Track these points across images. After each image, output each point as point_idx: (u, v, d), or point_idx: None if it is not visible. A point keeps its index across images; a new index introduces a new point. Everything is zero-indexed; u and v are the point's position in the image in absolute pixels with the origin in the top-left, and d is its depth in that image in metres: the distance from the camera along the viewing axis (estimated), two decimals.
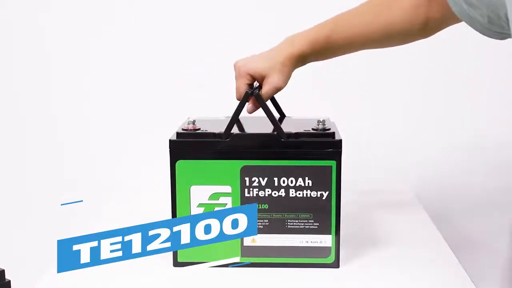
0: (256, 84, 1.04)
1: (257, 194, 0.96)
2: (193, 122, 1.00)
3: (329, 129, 0.97)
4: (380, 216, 1.26)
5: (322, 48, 1.01)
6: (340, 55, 1.05)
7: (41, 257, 1.34)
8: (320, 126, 0.97)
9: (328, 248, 0.97)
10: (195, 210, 0.97)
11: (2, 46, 1.58)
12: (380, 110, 1.52)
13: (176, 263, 0.99)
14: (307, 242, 0.97)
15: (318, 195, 0.95)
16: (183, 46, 1.54)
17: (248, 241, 0.97)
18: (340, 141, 0.95)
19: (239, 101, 0.98)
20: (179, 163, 0.97)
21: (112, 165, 1.59)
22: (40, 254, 1.54)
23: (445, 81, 1.51)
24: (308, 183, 0.95)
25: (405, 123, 1.54)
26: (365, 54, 1.47)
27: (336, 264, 0.98)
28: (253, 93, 0.98)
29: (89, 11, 1.54)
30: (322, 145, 0.95)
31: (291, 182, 0.95)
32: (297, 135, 0.96)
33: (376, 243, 1.09)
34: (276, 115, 1.04)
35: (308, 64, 1.03)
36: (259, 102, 0.98)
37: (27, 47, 1.58)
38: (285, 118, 1.10)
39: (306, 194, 0.95)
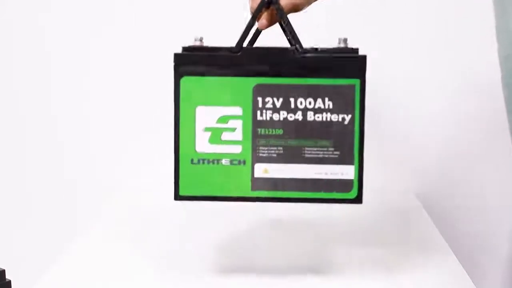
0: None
1: (271, 118, 0.86)
2: (201, 39, 0.92)
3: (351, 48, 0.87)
4: (380, 215, 1.26)
5: None
6: None
7: (41, 257, 1.34)
8: (342, 45, 0.87)
9: (350, 182, 0.86)
10: (201, 136, 0.88)
11: (2, 46, 1.58)
12: (380, 110, 1.52)
13: (177, 197, 0.91)
14: (326, 173, 0.86)
15: (340, 119, 0.85)
16: (184, 46, 1.54)
17: (259, 171, 0.87)
18: (365, 57, 0.86)
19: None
20: (184, 80, 0.88)
21: (112, 165, 1.59)
22: (40, 254, 1.55)
23: (445, 80, 1.51)
24: (328, 104, 0.85)
25: (405, 122, 1.54)
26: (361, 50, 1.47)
27: (359, 200, 0.87)
28: (272, 1, 0.88)
29: (89, 11, 1.54)
30: (344, 61, 0.85)
31: (309, 103, 0.85)
32: (316, 50, 0.87)
33: (375, 243, 1.09)
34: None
35: None
36: (278, 12, 0.88)
37: (27, 47, 1.58)
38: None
39: (326, 117, 0.85)
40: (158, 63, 1.55)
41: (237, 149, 0.87)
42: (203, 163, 0.88)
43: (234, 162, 0.87)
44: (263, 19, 0.91)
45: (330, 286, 0.95)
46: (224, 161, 0.87)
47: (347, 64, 0.85)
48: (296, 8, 0.92)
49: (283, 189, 0.87)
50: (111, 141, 1.59)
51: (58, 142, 1.60)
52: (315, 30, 0.99)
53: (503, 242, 1.55)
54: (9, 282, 0.84)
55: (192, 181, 0.89)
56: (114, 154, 1.59)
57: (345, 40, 0.87)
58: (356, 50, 0.86)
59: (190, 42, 0.95)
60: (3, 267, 0.83)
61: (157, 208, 1.37)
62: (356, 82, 0.85)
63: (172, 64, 0.91)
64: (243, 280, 0.96)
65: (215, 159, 0.87)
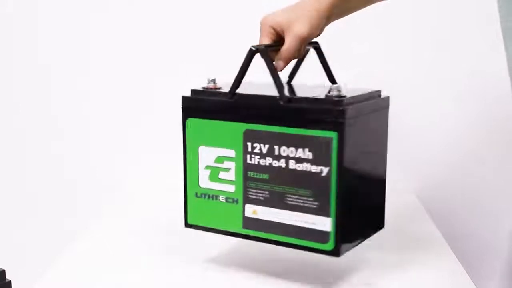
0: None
1: (258, 162, 0.89)
2: (214, 81, 0.95)
3: (339, 96, 0.85)
4: None
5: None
6: (357, 10, 1.01)
7: (41, 257, 1.34)
8: (334, 93, 0.85)
9: (327, 233, 0.86)
10: (203, 173, 0.94)
11: (1, 46, 1.58)
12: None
13: (186, 224, 0.98)
14: (305, 222, 0.87)
15: (318, 170, 0.85)
16: (185, 46, 1.54)
17: (249, 212, 0.91)
18: (343, 110, 0.82)
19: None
20: (189, 121, 0.94)
21: (112, 165, 1.59)
22: (40, 254, 1.55)
23: (445, 79, 1.51)
24: (308, 155, 0.85)
25: (405, 122, 1.54)
26: (365, 51, 1.48)
27: (335, 252, 0.87)
28: (258, 49, 0.90)
29: (90, 10, 1.54)
30: (322, 113, 0.84)
31: (291, 152, 0.86)
32: (299, 99, 0.87)
33: (375, 243, 1.09)
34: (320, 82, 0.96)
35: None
36: (263, 58, 0.90)
37: (27, 46, 1.58)
38: (322, 84, 1.00)
39: (306, 167, 0.86)
40: (160, 62, 1.55)
41: (231, 188, 0.92)
42: (205, 197, 0.95)
43: (229, 200, 0.93)
44: (279, 61, 0.92)
45: (330, 285, 0.95)
46: (221, 198, 0.94)
47: (324, 116, 0.84)
48: (303, 39, 0.92)
49: (269, 231, 0.90)
50: (111, 141, 1.59)
51: (58, 142, 1.60)
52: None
53: (503, 242, 1.55)
54: (9, 282, 0.84)
55: (197, 212, 0.96)
56: (114, 154, 1.59)
57: (338, 88, 0.85)
58: (341, 102, 0.83)
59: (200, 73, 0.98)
60: (3, 267, 0.83)
61: (157, 208, 1.37)
62: (334, 135, 0.83)
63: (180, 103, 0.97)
64: (244, 280, 0.96)
65: (213, 195, 0.94)
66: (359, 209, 0.91)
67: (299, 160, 0.86)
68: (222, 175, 0.93)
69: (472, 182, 1.54)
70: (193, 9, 1.52)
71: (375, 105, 0.92)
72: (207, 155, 0.93)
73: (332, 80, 1.00)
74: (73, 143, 1.59)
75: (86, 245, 1.14)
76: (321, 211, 0.86)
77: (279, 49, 0.93)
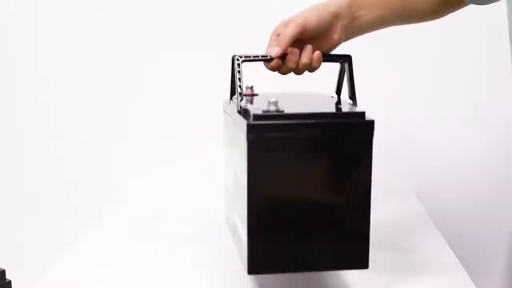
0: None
1: None
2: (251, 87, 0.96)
3: (265, 111, 0.80)
4: (380, 216, 1.26)
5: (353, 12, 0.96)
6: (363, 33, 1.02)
7: (41, 257, 1.34)
8: (271, 107, 0.81)
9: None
10: None
11: (1, 46, 1.58)
12: (381, 110, 1.52)
13: None
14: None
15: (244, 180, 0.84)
16: (186, 47, 1.54)
17: None
18: (250, 125, 0.78)
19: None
20: None
21: (112, 165, 1.59)
22: (40, 254, 1.55)
23: (445, 81, 1.51)
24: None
25: (406, 123, 1.54)
26: (365, 52, 1.47)
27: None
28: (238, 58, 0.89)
29: (90, 10, 1.54)
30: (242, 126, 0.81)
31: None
32: (243, 111, 0.85)
33: (375, 243, 1.09)
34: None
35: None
36: (232, 66, 0.89)
37: (27, 46, 1.58)
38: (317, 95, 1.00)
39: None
40: (160, 62, 1.55)
41: None
42: None
43: None
44: (272, 47, 0.91)
45: (330, 285, 0.95)
46: None
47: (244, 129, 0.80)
48: (302, 27, 0.90)
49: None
50: (111, 141, 1.59)
51: (58, 142, 1.60)
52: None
53: (503, 242, 1.55)
54: (9, 282, 0.84)
55: None
56: (114, 154, 1.59)
57: (276, 103, 0.81)
58: (255, 116, 0.79)
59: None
60: (3, 267, 0.83)
61: (157, 208, 1.37)
62: (246, 148, 0.80)
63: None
64: (244, 280, 0.96)
65: None
66: (290, 233, 0.83)
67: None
68: None
69: (472, 182, 1.54)
70: (194, 9, 1.52)
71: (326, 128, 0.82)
72: None
73: (353, 95, 0.96)
74: (73, 143, 1.59)
75: (86, 245, 1.14)
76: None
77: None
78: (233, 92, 0.92)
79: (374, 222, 1.11)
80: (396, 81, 1.52)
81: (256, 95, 0.96)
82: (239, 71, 0.89)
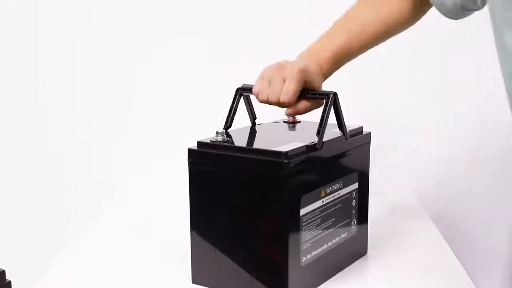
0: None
1: None
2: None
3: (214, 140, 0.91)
4: (381, 216, 1.26)
5: (343, 59, 1.00)
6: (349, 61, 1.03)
7: (41, 257, 1.34)
8: (218, 138, 0.92)
9: None
10: None
11: (1, 46, 1.58)
12: (381, 110, 1.52)
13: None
14: None
15: None
16: (186, 47, 1.54)
17: None
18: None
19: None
20: None
21: (112, 165, 1.59)
22: (40, 254, 1.55)
23: (444, 82, 1.51)
24: None
25: (406, 124, 1.54)
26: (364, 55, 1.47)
27: None
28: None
29: (90, 10, 1.55)
30: None
31: None
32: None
33: (376, 243, 1.09)
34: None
35: None
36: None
37: (27, 46, 1.58)
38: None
39: None
40: (161, 62, 1.55)
41: None
42: None
43: None
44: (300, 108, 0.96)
45: (331, 285, 0.95)
46: None
47: None
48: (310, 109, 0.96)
49: None
50: (111, 141, 1.59)
51: (58, 142, 1.60)
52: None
53: (503, 242, 1.55)
54: (9, 282, 0.84)
55: None
56: (114, 154, 1.59)
57: (222, 134, 0.93)
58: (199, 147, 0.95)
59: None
60: (3, 268, 0.83)
61: (157, 208, 1.37)
62: None
63: None
64: None
65: None
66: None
67: None
68: None
69: (472, 182, 1.54)
70: (196, 9, 1.52)
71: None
72: None
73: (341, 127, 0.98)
74: (73, 143, 1.59)
75: (86, 245, 1.14)
76: None
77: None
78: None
79: (374, 222, 1.12)
80: (396, 81, 1.52)
81: (298, 122, 1.04)
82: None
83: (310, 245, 0.90)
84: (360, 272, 0.99)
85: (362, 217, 1.03)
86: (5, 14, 1.56)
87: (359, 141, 1.00)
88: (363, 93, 1.52)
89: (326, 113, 0.91)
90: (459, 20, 0.99)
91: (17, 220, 1.63)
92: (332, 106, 0.92)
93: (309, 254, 0.90)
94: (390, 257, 1.05)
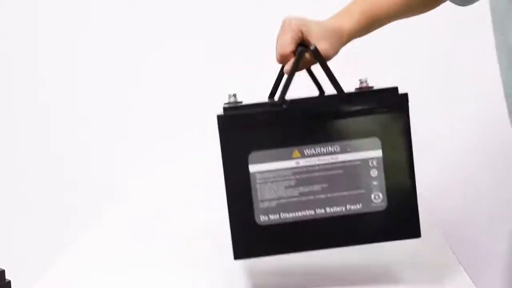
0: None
1: None
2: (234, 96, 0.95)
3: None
4: None
5: (368, 23, 0.97)
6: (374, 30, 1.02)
7: (41, 257, 1.34)
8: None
9: None
10: None
11: (1, 46, 1.58)
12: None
13: None
14: None
15: None
16: (187, 47, 1.54)
17: None
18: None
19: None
20: None
21: (112, 165, 1.59)
22: (40, 254, 1.55)
23: (445, 79, 1.51)
24: None
25: None
26: (364, 54, 1.47)
27: None
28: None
29: (90, 10, 1.55)
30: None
31: None
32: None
33: (376, 244, 1.09)
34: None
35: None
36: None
37: (27, 46, 1.58)
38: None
39: None
40: (161, 62, 1.55)
41: None
42: None
43: None
44: (288, 65, 0.91)
45: (331, 285, 0.95)
46: None
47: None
48: (326, 59, 0.91)
49: None
50: (111, 141, 1.59)
51: (58, 142, 1.60)
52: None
53: (503, 242, 1.55)
54: (9, 282, 0.84)
55: None
56: (114, 154, 1.59)
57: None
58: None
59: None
60: (3, 267, 0.83)
61: (157, 208, 1.37)
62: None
63: None
64: (245, 279, 0.96)
65: None
66: None
67: None
68: None
69: (472, 182, 1.54)
70: (197, 8, 1.52)
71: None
72: None
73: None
74: (73, 143, 1.59)
75: (86, 245, 1.14)
76: None
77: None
78: None
79: None
80: (395, 81, 1.52)
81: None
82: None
83: (274, 205, 0.88)
84: (359, 272, 0.99)
85: (398, 192, 0.92)
86: (5, 14, 1.56)
87: (379, 102, 0.90)
88: None
89: (293, 66, 0.88)
90: (462, 19, 0.98)
91: (17, 220, 1.63)
92: (300, 60, 0.88)
93: (274, 214, 0.88)
94: (389, 256, 1.05)
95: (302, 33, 0.92)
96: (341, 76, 0.98)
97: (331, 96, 0.89)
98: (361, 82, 0.92)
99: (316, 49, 0.89)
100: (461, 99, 1.51)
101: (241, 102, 0.91)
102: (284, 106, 0.87)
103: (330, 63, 0.91)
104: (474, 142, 1.53)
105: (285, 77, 0.92)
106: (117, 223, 1.28)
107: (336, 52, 0.93)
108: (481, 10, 1.07)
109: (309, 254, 1.04)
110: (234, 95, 0.91)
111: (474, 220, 1.54)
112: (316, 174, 0.88)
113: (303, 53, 0.89)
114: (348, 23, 0.95)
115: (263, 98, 0.96)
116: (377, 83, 0.97)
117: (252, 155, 0.87)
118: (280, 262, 1.02)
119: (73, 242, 1.16)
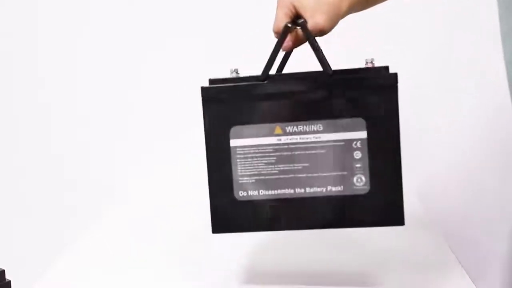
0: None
1: None
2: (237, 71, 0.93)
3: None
4: None
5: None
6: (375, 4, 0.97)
7: (41, 257, 1.34)
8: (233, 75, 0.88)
9: None
10: None
11: (1, 46, 1.58)
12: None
13: None
14: None
15: None
16: (186, 47, 1.54)
17: None
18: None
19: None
20: None
21: (112, 165, 1.59)
22: (40, 254, 1.55)
23: (444, 79, 1.51)
24: None
25: (406, 124, 1.53)
26: (364, 52, 1.47)
27: None
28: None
29: (90, 10, 1.55)
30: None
31: None
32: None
33: (375, 243, 1.09)
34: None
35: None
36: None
37: (27, 46, 1.58)
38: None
39: None
40: (161, 61, 1.55)
41: None
42: None
43: None
44: (288, 41, 0.90)
45: (330, 285, 0.95)
46: None
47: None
48: (322, 33, 0.88)
49: None
50: (111, 141, 1.59)
51: (58, 142, 1.60)
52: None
53: (503, 242, 1.55)
54: (9, 282, 0.84)
55: None
56: (114, 154, 1.59)
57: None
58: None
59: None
60: (3, 267, 0.83)
61: (157, 208, 1.37)
62: None
63: None
64: (245, 279, 0.96)
65: None
66: None
67: None
68: None
69: (472, 182, 1.54)
70: (197, 9, 1.52)
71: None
72: None
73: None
74: (73, 143, 1.59)
75: (86, 245, 1.14)
76: None
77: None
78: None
79: None
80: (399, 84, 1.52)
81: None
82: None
83: (253, 181, 0.87)
84: (358, 271, 0.99)
85: (382, 176, 0.88)
86: (5, 14, 1.56)
87: (367, 82, 0.87)
88: None
89: (277, 45, 0.87)
90: (464, 15, 0.96)
91: (17, 220, 1.63)
92: (284, 36, 0.86)
93: (253, 191, 0.87)
94: (388, 256, 1.05)
95: (295, 7, 0.89)
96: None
97: (316, 73, 0.86)
98: (366, 63, 0.89)
99: (303, 24, 0.86)
100: (460, 98, 1.51)
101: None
102: (266, 81, 0.86)
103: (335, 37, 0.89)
104: (475, 141, 1.53)
105: (283, 54, 0.91)
106: (117, 223, 1.28)
107: (333, 25, 0.89)
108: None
109: (308, 252, 1.04)
110: (236, 71, 0.90)
111: (474, 220, 1.54)
112: (298, 152, 0.86)
113: (288, 29, 0.87)
114: None
115: None
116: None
117: (234, 129, 0.86)
118: (279, 262, 1.02)
119: (73, 242, 1.16)
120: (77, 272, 1.02)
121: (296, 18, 0.89)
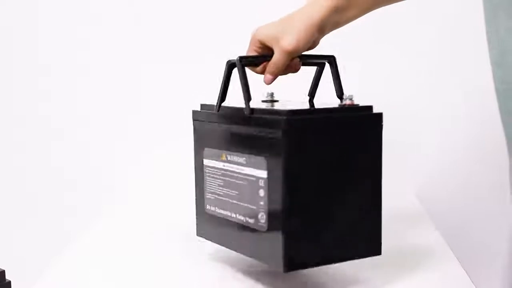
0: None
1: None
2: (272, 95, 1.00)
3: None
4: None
5: (344, 7, 0.91)
6: (354, 19, 0.96)
7: (41, 257, 1.34)
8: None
9: None
10: None
11: (1, 46, 1.58)
12: (380, 110, 1.52)
13: None
14: None
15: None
16: (186, 49, 1.54)
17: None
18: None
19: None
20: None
21: (112, 165, 1.59)
22: (40, 254, 1.55)
23: (444, 79, 1.51)
24: None
25: (406, 124, 1.54)
26: (363, 51, 1.48)
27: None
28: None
29: (90, 11, 1.55)
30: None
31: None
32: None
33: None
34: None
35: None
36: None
37: (27, 46, 1.58)
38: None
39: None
40: (160, 61, 1.56)
41: None
42: None
43: None
44: (266, 75, 0.93)
45: (330, 285, 0.95)
46: None
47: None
48: (290, 53, 0.90)
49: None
50: (111, 141, 1.59)
51: (58, 142, 1.60)
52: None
53: (503, 242, 1.55)
54: (9, 282, 0.84)
55: None
56: (114, 154, 1.59)
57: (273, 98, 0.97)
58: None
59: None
60: (3, 268, 0.83)
61: (157, 208, 1.37)
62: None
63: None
64: (245, 279, 0.96)
65: None
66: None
67: None
68: None
69: (472, 183, 1.54)
70: (196, 13, 1.52)
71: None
72: None
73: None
74: (73, 143, 1.59)
75: (86, 245, 1.14)
76: None
77: (267, 61, 0.93)
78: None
79: None
80: (394, 81, 1.52)
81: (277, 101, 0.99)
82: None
83: (213, 198, 0.96)
84: (359, 272, 0.99)
85: (277, 218, 0.84)
86: (5, 14, 1.56)
87: (269, 123, 0.85)
88: (362, 93, 1.52)
89: (240, 77, 0.90)
90: (459, 16, 0.96)
91: (17, 220, 1.63)
92: (243, 73, 0.90)
93: (212, 206, 0.96)
94: (389, 256, 1.05)
95: (260, 42, 0.93)
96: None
97: (242, 109, 0.90)
98: (345, 99, 0.91)
99: (239, 60, 0.90)
100: (459, 97, 1.51)
101: (277, 100, 0.98)
102: (217, 112, 0.95)
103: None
104: (474, 140, 1.53)
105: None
106: (117, 223, 1.28)
107: (302, 41, 0.89)
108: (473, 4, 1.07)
109: None
110: (271, 94, 0.98)
111: (474, 220, 1.54)
112: (233, 180, 0.92)
113: (230, 65, 0.93)
114: (318, 9, 0.90)
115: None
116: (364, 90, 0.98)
117: (206, 150, 0.97)
118: None
119: (73, 242, 1.16)
120: (77, 272, 1.02)
121: (269, 50, 0.93)
